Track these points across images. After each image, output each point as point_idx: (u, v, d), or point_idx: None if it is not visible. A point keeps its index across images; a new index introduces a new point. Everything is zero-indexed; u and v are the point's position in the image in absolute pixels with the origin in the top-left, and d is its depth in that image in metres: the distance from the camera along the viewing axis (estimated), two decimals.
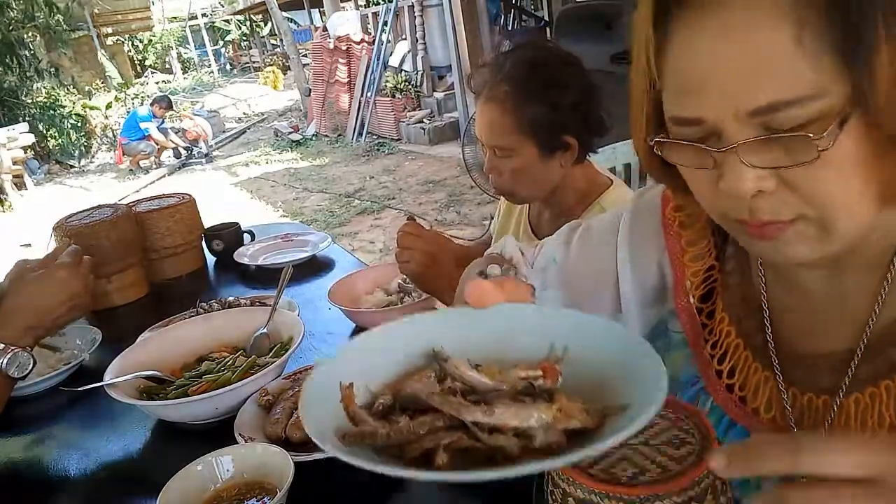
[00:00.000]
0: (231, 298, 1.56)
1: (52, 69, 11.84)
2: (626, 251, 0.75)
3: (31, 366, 1.14)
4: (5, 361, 1.10)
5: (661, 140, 0.54)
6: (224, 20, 25.54)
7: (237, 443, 0.99)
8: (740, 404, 0.66)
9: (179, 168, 9.82)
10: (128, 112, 10.94)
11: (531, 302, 0.60)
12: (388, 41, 8.95)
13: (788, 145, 0.48)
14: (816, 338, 0.63)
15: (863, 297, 0.59)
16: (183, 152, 10.00)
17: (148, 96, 12.01)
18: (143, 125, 9.57)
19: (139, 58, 23.92)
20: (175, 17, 24.58)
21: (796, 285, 0.64)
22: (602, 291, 0.77)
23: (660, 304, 0.75)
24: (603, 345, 0.51)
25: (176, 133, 10.07)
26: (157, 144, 9.77)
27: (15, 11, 11.24)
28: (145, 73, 21.48)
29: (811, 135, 0.46)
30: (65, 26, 12.37)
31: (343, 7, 11.92)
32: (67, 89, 11.96)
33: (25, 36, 11.41)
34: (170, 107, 10.13)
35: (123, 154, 9.85)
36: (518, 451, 0.44)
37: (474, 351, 0.52)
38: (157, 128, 9.67)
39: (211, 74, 22.82)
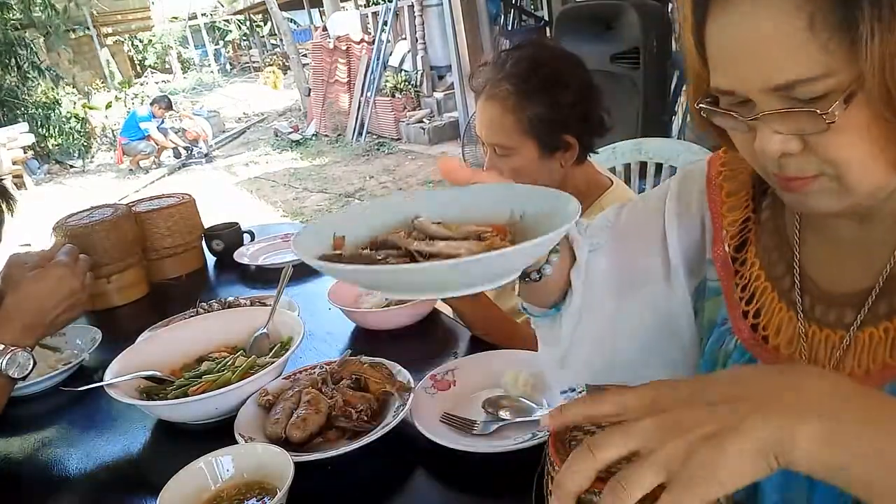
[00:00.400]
0: (231, 298, 1.56)
1: (52, 69, 11.81)
2: (674, 204, 0.80)
3: (31, 366, 1.14)
4: (5, 362, 1.10)
5: (705, 106, 0.62)
6: (224, 20, 25.57)
7: (237, 443, 0.99)
8: (762, 343, 0.70)
9: (179, 168, 9.81)
10: (128, 112, 10.93)
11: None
12: (388, 41, 8.94)
13: (804, 116, 0.54)
14: (840, 278, 0.67)
15: (889, 246, 0.63)
16: (183, 152, 9.99)
17: (148, 96, 11.97)
18: (142, 125, 9.55)
19: (139, 58, 23.93)
20: (175, 17, 24.60)
21: (828, 233, 0.68)
22: (651, 248, 0.81)
23: (703, 263, 0.79)
24: (547, 207, 0.61)
25: (176, 133, 10.06)
26: (157, 144, 9.76)
27: (15, 11, 11.22)
28: (145, 73, 21.47)
29: (818, 110, 0.52)
30: (64, 26, 12.35)
31: (343, 7, 11.92)
32: (67, 89, 11.94)
33: (25, 35, 11.38)
34: (169, 107, 10.11)
35: (123, 154, 9.85)
36: None
37: (447, 218, 0.62)
38: (157, 128, 9.66)
39: (211, 74, 22.81)
